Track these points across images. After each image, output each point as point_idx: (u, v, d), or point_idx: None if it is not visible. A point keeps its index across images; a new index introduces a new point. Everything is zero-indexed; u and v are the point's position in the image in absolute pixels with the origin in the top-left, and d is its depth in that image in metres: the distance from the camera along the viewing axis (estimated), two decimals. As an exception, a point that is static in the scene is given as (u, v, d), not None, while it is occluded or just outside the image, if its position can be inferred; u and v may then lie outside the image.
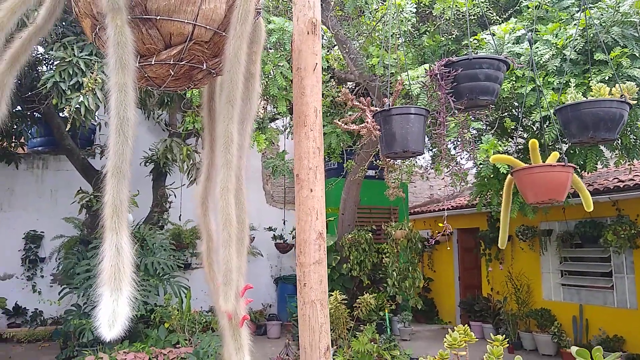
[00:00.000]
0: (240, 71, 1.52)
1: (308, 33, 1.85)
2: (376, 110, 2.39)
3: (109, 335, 1.14)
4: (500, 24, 5.02)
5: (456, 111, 2.28)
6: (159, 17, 1.45)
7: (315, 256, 1.75)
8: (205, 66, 1.61)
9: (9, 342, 8.72)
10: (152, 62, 1.54)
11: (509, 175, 2.56)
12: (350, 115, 2.51)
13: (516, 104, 5.26)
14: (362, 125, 2.25)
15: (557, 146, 4.86)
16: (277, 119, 8.10)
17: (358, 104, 2.40)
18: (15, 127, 8.88)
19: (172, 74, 1.59)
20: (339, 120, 2.45)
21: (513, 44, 4.51)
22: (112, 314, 1.15)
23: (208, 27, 1.52)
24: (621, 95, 2.53)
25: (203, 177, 1.68)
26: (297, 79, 1.85)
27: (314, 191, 1.79)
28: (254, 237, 10.69)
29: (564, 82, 4.12)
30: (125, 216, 1.27)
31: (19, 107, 7.96)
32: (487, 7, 5.35)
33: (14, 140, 9.25)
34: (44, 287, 9.64)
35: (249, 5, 1.51)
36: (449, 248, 11.07)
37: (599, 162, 5.10)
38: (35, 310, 9.42)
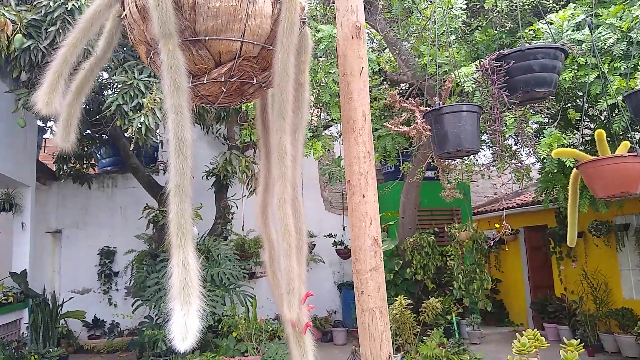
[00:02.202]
0: (289, 83, 1.53)
1: (352, 37, 1.84)
2: (426, 110, 2.34)
3: (182, 347, 1.18)
4: (557, 11, 4.80)
5: (511, 106, 2.19)
6: (207, 38, 1.49)
7: (371, 263, 1.72)
8: (255, 80, 1.63)
9: (90, 352, 9.21)
10: (205, 81, 1.58)
11: (574, 170, 2.43)
12: (399, 117, 2.47)
13: (580, 93, 5.01)
14: (412, 127, 2.20)
15: (628, 135, 4.57)
16: (331, 125, 8.13)
17: (407, 105, 2.36)
18: (85, 149, 9.45)
19: (224, 90, 1.63)
20: (389, 123, 2.41)
21: (573, 31, 4.29)
22: (184, 327, 1.19)
23: (255, 42, 1.54)
24: (697, 76, 2.35)
25: (261, 187, 1.71)
26: (344, 84, 1.84)
27: (366, 197, 1.77)
28: (314, 244, 10.74)
29: (632, 66, 3.88)
30: (190, 232, 1.31)
31: (88, 131, 8.46)
32: (542, -5, 5.13)
33: (85, 162, 9.85)
34: (119, 300, 10.14)
35: (294, 17, 1.52)
36: (507, 249, 10.65)
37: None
38: (113, 322, 9.92)
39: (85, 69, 1.55)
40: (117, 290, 10.25)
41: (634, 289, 8.39)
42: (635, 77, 2.74)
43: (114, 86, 6.93)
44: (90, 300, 10.04)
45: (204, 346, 7.30)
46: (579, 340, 2.36)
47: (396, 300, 7.19)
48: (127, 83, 5.74)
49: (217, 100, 1.66)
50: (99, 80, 7.24)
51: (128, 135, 8.55)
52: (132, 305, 8.10)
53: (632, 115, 2.48)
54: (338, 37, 1.93)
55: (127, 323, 9.74)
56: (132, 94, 5.65)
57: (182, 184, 1.29)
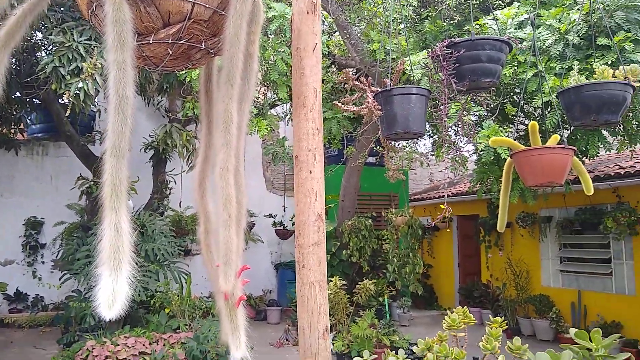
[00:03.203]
0: (240, 50, 1.50)
1: (308, 12, 1.83)
2: (377, 90, 2.37)
3: (108, 314, 1.14)
4: (502, 8, 4.98)
5: (458, 93, 2.26)
6: (157, -5, 1.43)
7: (314, 237, 1.74)
8: (203, 46, 1.59)
9: (11, 327, 8.78)
10: (151, 41, 1.52)
11: (509, 158, 2.55)
12: (350, 96, 2.49)
13: (518, 90, 5.24)
14: (363, 106, 2.22)
15: (558, 132, 4.84)
16: (277, 105, 8.07)
17: (359, 84, 2.38)
18: (14, 113, 8.86)
19: (171, 53, 1.57)
20: (339, 101, 2.42)
21: (515, 28, 4.47)
22: (112, 293, 1.14)
23: (207, 5, 1.50)
24: (625, 78, 2.51)
25: (200, 158, 1.68)
26: (297, 59, 1.83)
27: (313, 173, 1.78)
28: (254, 224, 10.71)
29: (567, 67, 4.09)
30: (125, 195, 1.26)
31: (18, 93, 7.93)
32: (489, -8, 5.29)
33: (13, 126, 9.23)
34: (44, 273, 9.68)
35: (249, -17, 1.49)
36: (448, 230, 11.09)
37: (601, 147, 5.09)
38: (36, 296, 9.47)
39: (17, 15, 1.44)
40: (42, 262, 9.77)
41: (551, 277, 8.98)
42: (568, 77, 2.91)
43: (50, 47, 6.53)
44: (12, 272, 9.53)
45: (134, 321, 7.14)
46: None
47: (331, 281, 7.32)
48: (65, 44, 5.41)
49: (162, 63, 1.60)
50: (32, 39, 6.80)
51: (63, 102, 8.11)
52: (60, 279, 7.76)
53: (563, 111, 2.63)
54: (294, 11, 1.90)
55: (53, 297, 9.34)
56: (71, 57, 5.32)
57: (120, 144, 1.24)
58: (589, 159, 5.76)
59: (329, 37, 7.86)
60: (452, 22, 5.28)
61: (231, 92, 1.49)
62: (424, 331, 8.83)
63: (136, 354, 5.84)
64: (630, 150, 6.21)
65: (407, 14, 5.11)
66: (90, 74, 5.05)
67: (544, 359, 1.61)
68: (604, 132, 5.12)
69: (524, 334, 8.79)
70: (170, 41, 1.52)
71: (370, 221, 9.28)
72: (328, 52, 7.31)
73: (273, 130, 8.26)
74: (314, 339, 1.68)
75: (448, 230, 11.09)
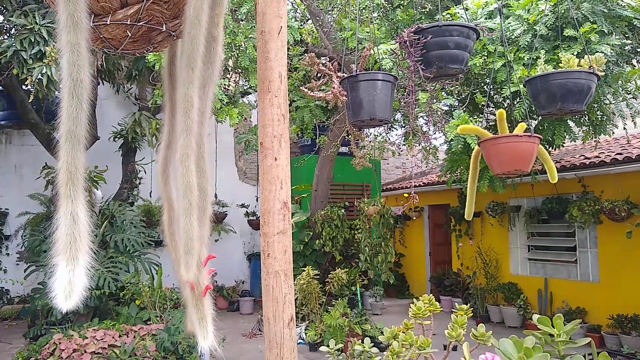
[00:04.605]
0: (201, 33, 1.46)
1: (273, -6, 1.79)
2: (343, 76, 2.35)
3: (65, 306, 1.11)
4: (473, -2, 5.00)
5: (426, 80, 2.25)
6: (113, -27, 1.37)
7: (279, 226, 1.71)
8: (164, 28, 1.53)
9: (-25, 321, 8.53)
10: (108, 22, 1.46)
11: (476, 146, 2.57)
12: (315, 82, 2.46)
13: (488, 80, 5.28)
14: (328, 92, 2.20)
15: (526, 122, 4.91)
16: (249, 93, 7.97)
17: (324, 68, 2.35)
18: (-25, 100, 8.54)
19: (130, 35, 1.51)
20: (305, 87, 2.39)
21: (485, 18, 4.50)
22: (68, 284, 1.11)
23: (167, -14, 1.45)
24: (590, 67, 2.55)
25: (163, 144, 1.63)
26: (261, 43, 1.79)
27: (279, 160, 1.74)
28: (226, 214, 10.62)
29: (535, 57, 4.14)
30: (82, 183, 1.21)
31: (-22, 79, 7.64)
32: (460, -18, 5.30)
33: (-26, 113, 8.90)
34: (9, 265, 9.42)
35: (210, -37, 1.44)
36: (414, 218, 11.23)
37: (567, 137, 5.18)
38: (1, 289, 9.21)
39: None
40: (7, 254, 9.50)
41: (519, 265, 9.18)
42: (536, 66, 2.94)
43: (11, 31, 6.29)
44: (-25, 265, 9.25)
45: (104, 314, 7.02)
46: (470, 309, 2.53)
47: (304, 270, 7.32)
48: (27, 27, 5.21)
49: (121, 45, 1.54)
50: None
51: (27, 87, 7.85)
52: (25, 271, 7.55)
53: (530, 99, 2.66)
54: (257, -7, 1.86)
55: (19, 290, 9.09)
56: (33, 40, 5.13)
57: (75, 130, 1.19)
58: (555, 149, 5.87)
59: (301, 25, 7.79)
60: (423, 10, 5.28)
61: (192, 76, 1.44)
62: (396, 319, 8.92)
63: (105, 347, 5.73)
64: (595, 141, 6.36)
65: (378, 2, 5.09)
66: (53, 58, 4.88)
67: (507, 345, 1.62)
68: (569, 122, 5.21)
69: (493, 321, 8.98)
70: (128, 22, 1.46)
71: (342, 211, 9.30)
72: (301, 39, 7.24)
73: (245, 118, 8.18)
74: (279, 329, 1.66)
75: (414, 218, 11.23)
